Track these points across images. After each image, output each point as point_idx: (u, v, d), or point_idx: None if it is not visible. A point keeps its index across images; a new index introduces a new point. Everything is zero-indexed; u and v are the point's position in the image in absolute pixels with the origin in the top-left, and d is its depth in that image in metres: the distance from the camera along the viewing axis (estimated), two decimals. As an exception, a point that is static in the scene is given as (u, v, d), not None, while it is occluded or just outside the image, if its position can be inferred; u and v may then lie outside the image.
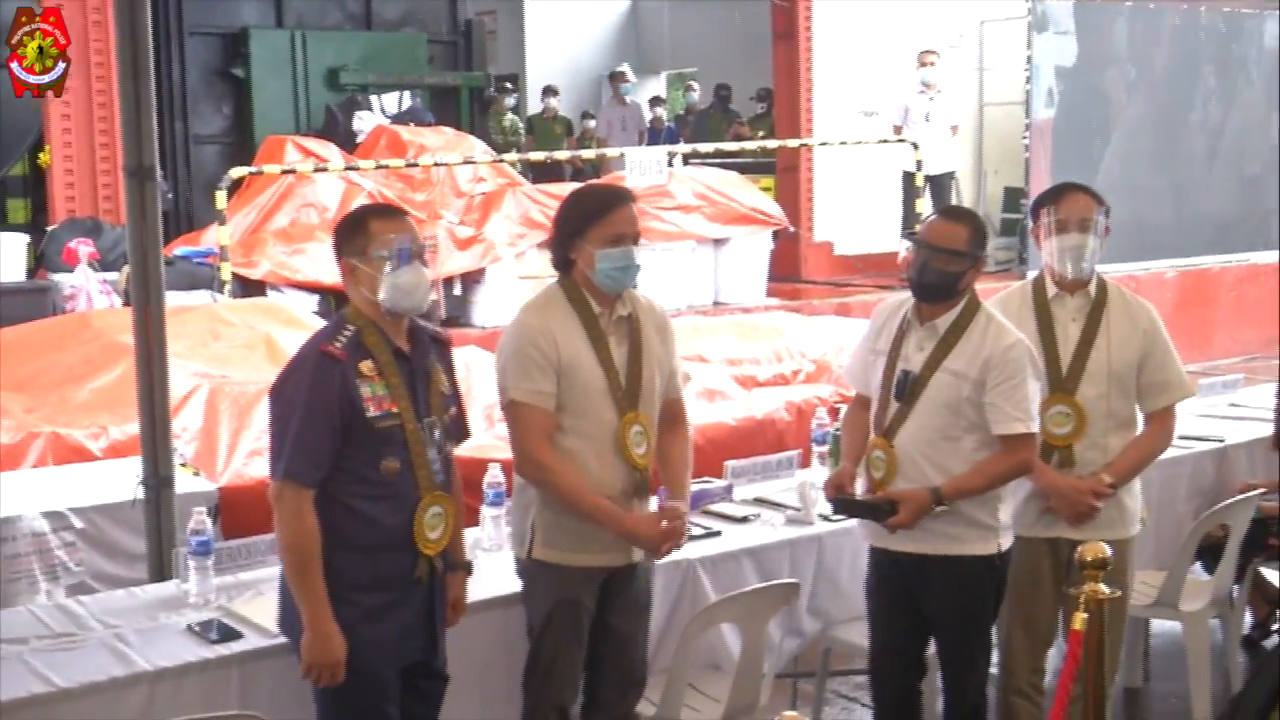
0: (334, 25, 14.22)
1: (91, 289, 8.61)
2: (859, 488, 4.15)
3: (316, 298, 9.22)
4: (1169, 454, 4.74)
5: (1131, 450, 4.32)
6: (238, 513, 4.98)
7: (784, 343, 7.69)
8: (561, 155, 13.40)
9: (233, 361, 6.54)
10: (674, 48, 19.44)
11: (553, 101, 16.12)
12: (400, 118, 12.94)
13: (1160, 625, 5.62)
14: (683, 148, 12.61)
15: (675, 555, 4.03)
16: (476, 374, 6.00)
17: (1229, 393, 6.72)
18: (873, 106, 13.42)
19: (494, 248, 9.89)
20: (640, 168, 10.45)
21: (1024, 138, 12.70)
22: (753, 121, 15.82)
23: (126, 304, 6.96)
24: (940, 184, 12.61)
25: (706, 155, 12.23)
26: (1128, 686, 5.47)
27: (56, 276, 8.84)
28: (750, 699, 4.14)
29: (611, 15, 19.89)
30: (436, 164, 10.29)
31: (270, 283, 9.25)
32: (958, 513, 3.97)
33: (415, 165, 10.29)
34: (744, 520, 4.73)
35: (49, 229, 9.43)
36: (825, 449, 5.27)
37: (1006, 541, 4.06)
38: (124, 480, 4.80)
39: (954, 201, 12.53)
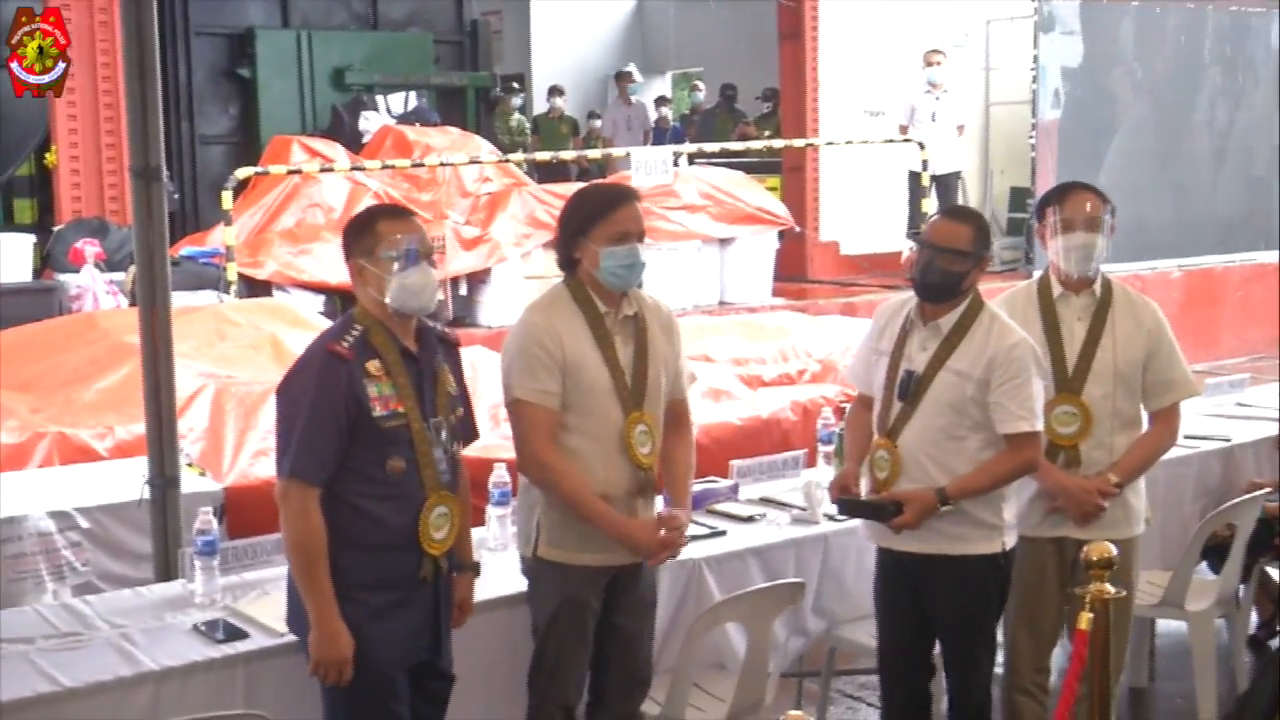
0: (340, 25, 14.23)
1: (97, 289, 8.63)
2: (863, 488, 4.15)
3: (322, 298, 9.23)
4: (1175, 454, 4.74)
5: (1137, 449, 4.32)
6: (243, 513, 4.99)
7: (789, 342, 7.68)
8: (567, 155, 13.41)
9: (238, 362, 6.54)
10: (680, 47, 19.44)
11: (558, 101, 16.14)
12: (406, 118, 12.96)
13: (1166, 625, 5.62)
14: (688, 147, 12.61)
15: (681, 555, 4.03)
16: (482, 374, 6.00)
17: (1235, 392, 6.72)
18: (878, 106, 13.41)
19: (500, 248, 9.89)
20: (646, 167, 10.45)
21: (1030, 137, 12.69)
22: (758, 121, 15.84)
23: (132, 304, 7.00)
24: (946, 184, 12.60)
25: (712, 155, 12.25)
26: (1133, 686, 5.46)
27: (63, 277, 8.85)
28: (755, 698, 4.15)
29: (617, 15, 19.90)
30: (442, 164, 10.28)
31: (276, 283, 9.26)
32: (962, 512, 3.97)
33: (421, 165, 10.29)
34: (749, 520, 4.73)
35: (55, 229, 9.43)
36: (831, 449, 5.28)
37: (1010, 540, 4.06)
38: (130, 480, 4.80)
39: (960, 201, 12.51)
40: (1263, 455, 5.87)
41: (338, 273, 8.30)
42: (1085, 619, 3.20)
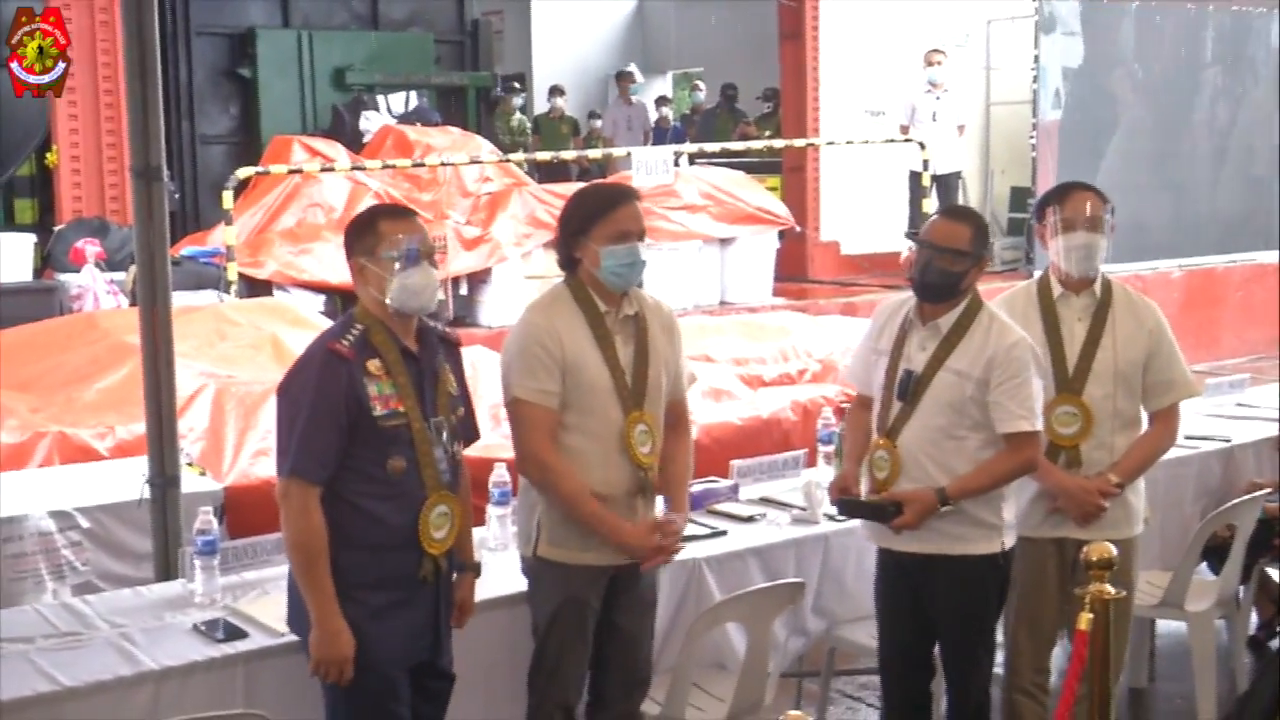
0: (341, 25, 14.23)
1: (98, 289, 8.63)
2: (863, 488, 4.15)
3: (323, 297, 9.24)
4: (1175, 454, 4.74)
5: (1137, 449, 4.32)
6: (243, 512, 5.00)
7: (790, 342, 7.69)
8: (568, 155, 13.43)
9: (239, 361, 6.54)
10: (680, 47, 19.45)
11: (559, 101, 16.14)
12: (407, 117, 12.96)
13: (1166, 625, 5.62)
14: (689, 147, 12.62)
15: (681, 555, 4.03)
16: (482, 374, 5.99)
17: (1235, 392, 6.72)
18: (879, 106, 13.43)
19: (500, 247, 9.89)
20: (647, 167, 10.46)
21: (1031, 137, 12.69)
22: (759, 121, 15.84)
23: (133, 304, 6.99)
24: (946, 184, 12.61)
25: (713, 155, 12.25)
26: (1133, 687, 5.46)
27: (63, 276, 8.86)
28: (755, 698, 4.15)
29: (618, 15, 19.90)
30: (443, 164, 10.29)
31: (277, 282, 9.27)
32: (962, 512, 3.97)
33: (422, 165, 10.30)
34: (749, 520, 4.73)
35: (56, 229, 9.44)
36: (831, 448, 5.28)
37: (1010, 540, 4.06)
38: (130, 480, 4.80)
39: (960, 201, 12.52)
40: (1263, 455, 5.87)
41: (338, 272, 8.32)
42: (1085, 619, 3.20)
